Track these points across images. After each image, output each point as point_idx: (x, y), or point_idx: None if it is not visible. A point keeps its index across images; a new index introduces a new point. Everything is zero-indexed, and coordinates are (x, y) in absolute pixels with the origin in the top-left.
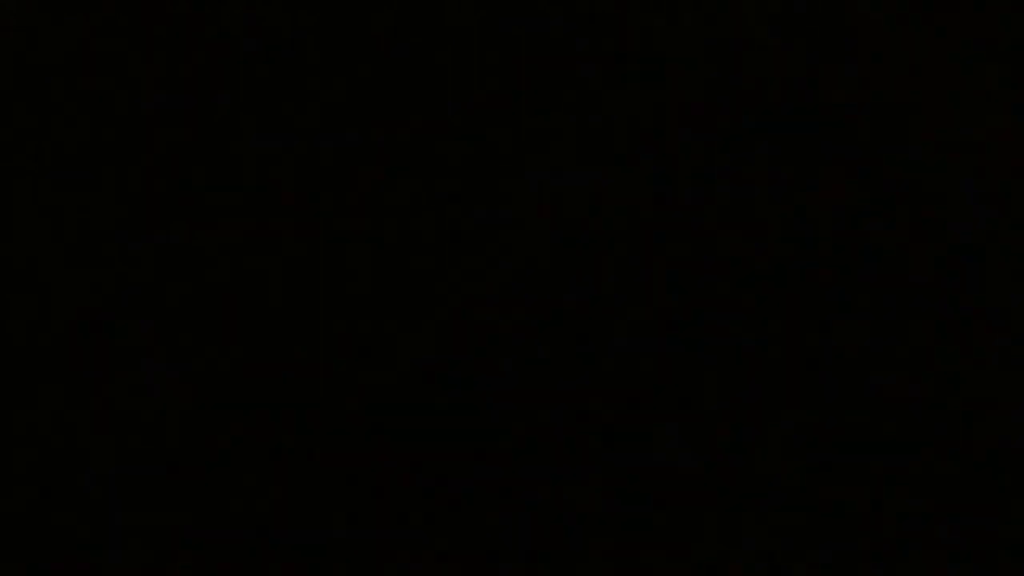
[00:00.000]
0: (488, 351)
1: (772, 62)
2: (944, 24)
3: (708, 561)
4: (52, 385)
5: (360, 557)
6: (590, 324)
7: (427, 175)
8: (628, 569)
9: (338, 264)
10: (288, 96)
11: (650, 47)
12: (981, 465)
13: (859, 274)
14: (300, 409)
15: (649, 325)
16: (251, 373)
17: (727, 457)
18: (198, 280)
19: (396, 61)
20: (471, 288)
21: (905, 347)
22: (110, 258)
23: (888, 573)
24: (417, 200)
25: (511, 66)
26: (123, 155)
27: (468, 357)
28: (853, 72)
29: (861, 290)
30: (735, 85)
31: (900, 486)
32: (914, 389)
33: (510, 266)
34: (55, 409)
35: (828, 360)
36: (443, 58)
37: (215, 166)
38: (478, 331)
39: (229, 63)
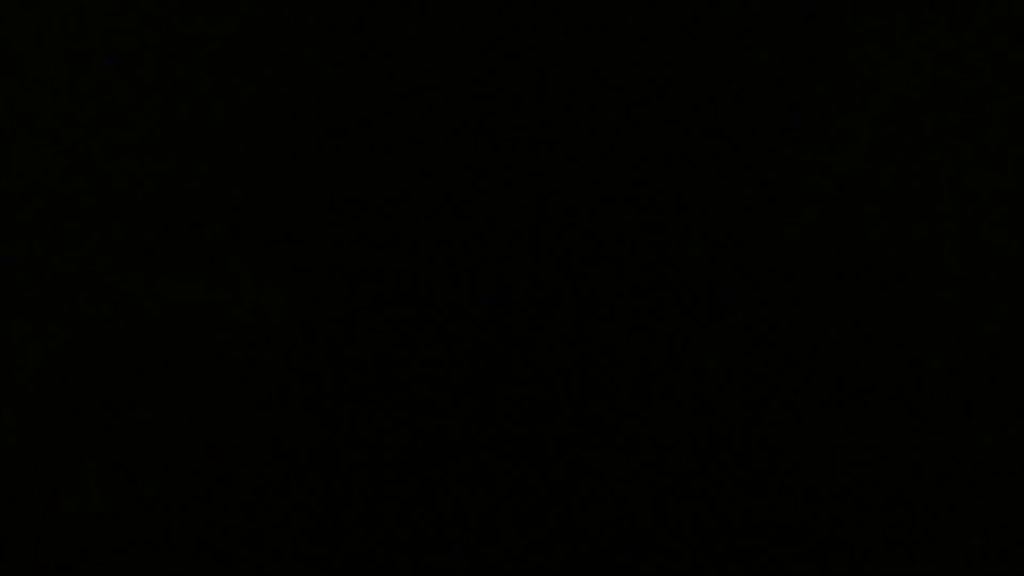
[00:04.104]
0: (488, 352)
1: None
2: (944, 24)
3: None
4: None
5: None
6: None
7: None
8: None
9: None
10: (289, 97)
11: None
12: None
13: (859, 275)
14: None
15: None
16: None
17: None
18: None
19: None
20: (470, 286)
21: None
22: (112, 261)
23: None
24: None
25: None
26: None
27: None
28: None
29: (864, 292)
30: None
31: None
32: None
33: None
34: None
35: (830, 360)
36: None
37: (221, 165)
38: (477, 331)
39: (235, 61)
